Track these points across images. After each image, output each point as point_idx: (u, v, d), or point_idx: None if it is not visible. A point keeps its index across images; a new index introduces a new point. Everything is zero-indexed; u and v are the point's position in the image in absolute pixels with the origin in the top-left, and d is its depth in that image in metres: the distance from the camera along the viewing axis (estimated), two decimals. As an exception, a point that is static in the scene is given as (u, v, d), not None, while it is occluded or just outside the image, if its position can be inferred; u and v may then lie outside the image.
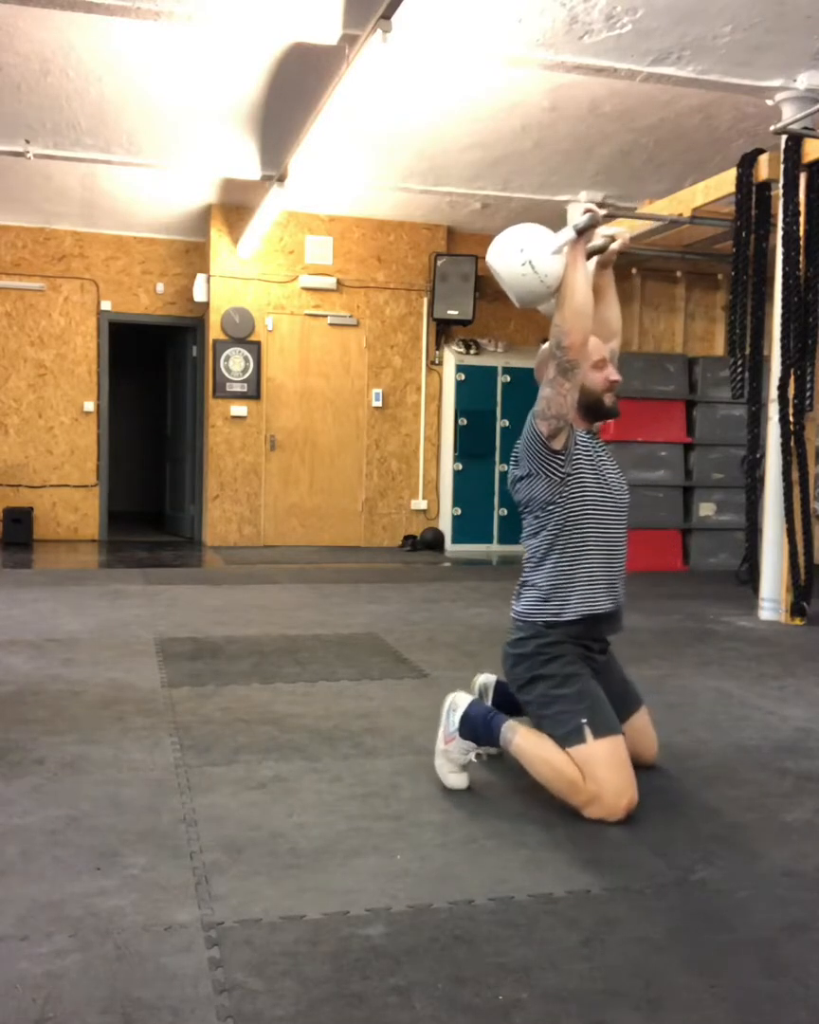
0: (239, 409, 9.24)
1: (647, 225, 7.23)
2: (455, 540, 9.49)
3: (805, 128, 5.42)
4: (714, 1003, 1.72)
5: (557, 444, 2.66)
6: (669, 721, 3.54)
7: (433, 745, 2.99)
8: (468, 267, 9.25)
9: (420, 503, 9.71)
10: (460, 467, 9.47)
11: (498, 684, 3.08)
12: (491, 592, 6.64)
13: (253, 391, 9.25)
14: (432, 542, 9.43)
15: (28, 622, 5.14)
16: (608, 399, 2.79)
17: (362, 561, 8.51)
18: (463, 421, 9.44)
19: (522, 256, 2.58)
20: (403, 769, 2.93)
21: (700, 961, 1.86)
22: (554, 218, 8.36)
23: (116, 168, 7.61)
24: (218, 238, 9.11)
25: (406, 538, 9.53)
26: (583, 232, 2.60)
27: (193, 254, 9.70)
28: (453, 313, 9.34)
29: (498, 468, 9.49)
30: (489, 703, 2.99)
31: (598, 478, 2.75)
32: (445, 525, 9.59)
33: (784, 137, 5.53)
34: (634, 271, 8.76)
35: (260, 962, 1.81)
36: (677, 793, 2.78)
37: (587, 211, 2.60)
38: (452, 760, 2.77)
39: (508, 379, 9.43)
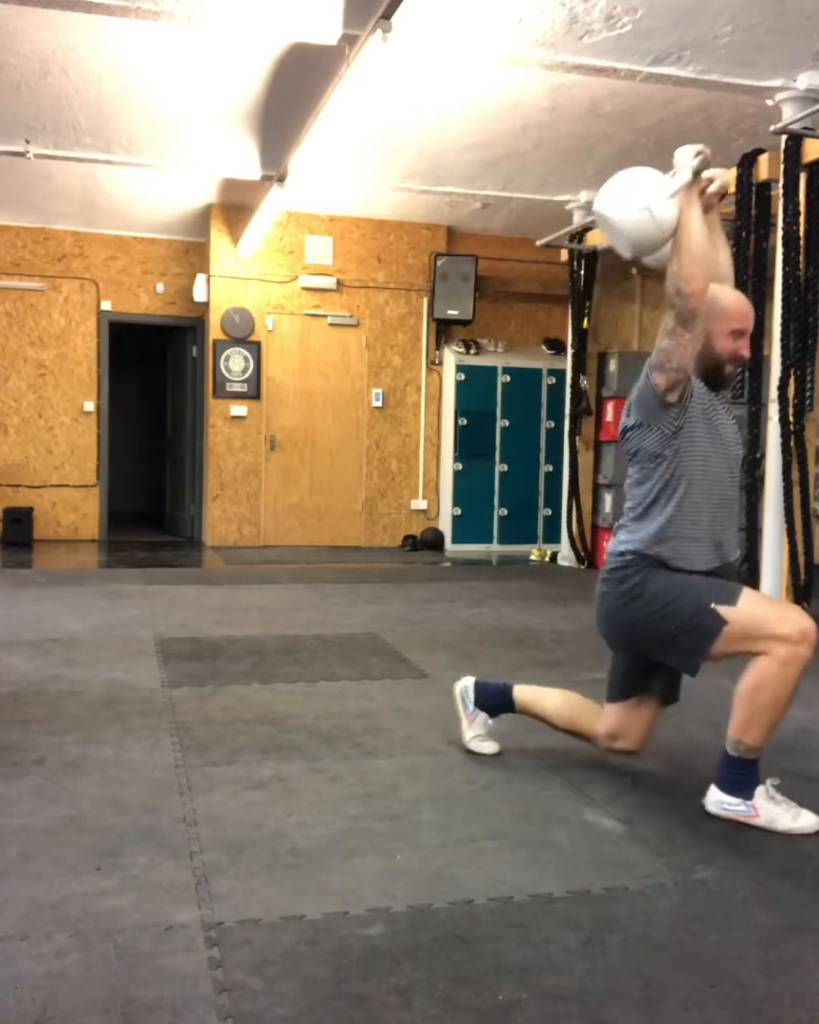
0: (239, 409, 9.24)
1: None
2: (455, 540, 9.49)
3: (805, 128, 5.42)
4: (714, 1003, 1.72)
5: (672, 397, 2.57)
6: (669, 721, 3.53)
7: (433, 746, 3.00)
8: (468, 267, 9.24)
9: (420, 503, 9.71)
10: (460, 467, 9.47)
11: (478, 685, 3.17)
12: (491, 592, 6.65)
13: (253, 391, 9.25)
14: (432, 542, 9.43)
15: (28, 622, 5.14)
16: (728, 369, 2.70)
17: (362, 561, 8.51)
18: (463, 421, 9.44)
19: (640, 201, 2.48)
20: (403, 769, 2.93)
21: (700, 961, 1.86)
22: (554, 218, 8.38)
23: (116, 168, 7.61)
24: (218, 238, 9.11)
25: (406, 538, 9.53)
26: (699, 173, 2.48)
27: (193, 254, 9.69)
28: (453, 313, 9.34)
29: (498, 468, 9.49)
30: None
31: (711, 433, 2.66)
32: (445, 525, 9.59)
33: (784, 137, 5.53)
34: (634, 271, 8.75)
35: (260, 962, 1.81)
36: (677, 793, 2.78)
37: (699, 153, 2.49)
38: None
39: (508, 379, 9.43)
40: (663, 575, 2.62)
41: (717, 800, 2.57)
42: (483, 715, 3.11)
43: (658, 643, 2.65)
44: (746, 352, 2.70)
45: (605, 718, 2.88)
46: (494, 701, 3.09)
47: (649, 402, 2.61)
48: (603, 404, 8.35)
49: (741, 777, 2.56)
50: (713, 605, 2.50)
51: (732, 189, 6.02)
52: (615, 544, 2.74)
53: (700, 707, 3.75)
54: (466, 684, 3.15)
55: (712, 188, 2.62)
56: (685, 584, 2.59)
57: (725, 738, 2.61)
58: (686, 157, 2.51)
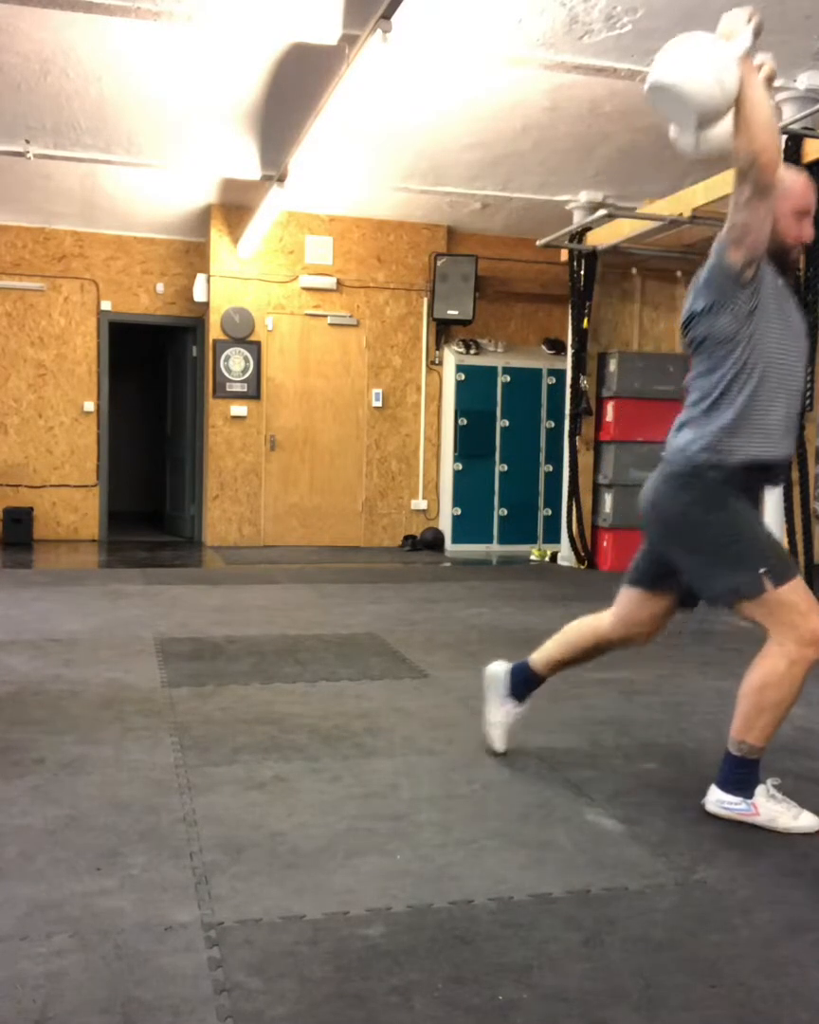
0: (239, 409, 9.24)
1: (647, 225, 7.23)
2: (455, 540, 9.49)
3: (805, 128, 5.43)
4: (714, 1003, 1.72)
5: (749, 274, 2.46)
6: (669, 721, 3.54)
7: (433, 746, 3.00)
8: (468, 267, 9.24)
9: (420, 503, 9.71)
10: (460, 467, 9.47)
11: (512, 671, 3.04)
12: (491, 592, 6.65)
13: (253, 391, 9.25)
14: (432, 542, 9.43)
15: (28, 622, 5.14)
16: (793, 252, 2.61)
17: (362, 561, 8.51)
18: (463, 421, 9.44)
19: (708, 68, 2.31)
20: (403, 769, 2.93)
21: (700, 961, 1.86)
22: (555, 218, 8.38)
23: (116, 168, 7.61)
24: (218, 238, 9.11)
25: (406, 538, 9.53)
26: (759, 36, 2.33)
27: (193, 254, 9.69)
28: (453, 313, 9.34)
29: (498, 468, 9.49)
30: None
31: (783, 318, 2.56)
32: (445, 525, 9.59)
33: (784, 137, 5.53)
34: (634, 271, 8.76)
35: (260, 962, 1.81)
36: (677, 793, 2.77)
37: (752, 17, 2.35)
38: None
39: (508, 379, 9.43)
40: (734, 506, 2.53)
41: (718, 799, 2.58)
42: (512, 703, 3.02)
43: (694, 563, 2.60)
44: (810, 234, 2.58)
45: (619, 604, 2.82)
46: (521, 680, 3.00)
47: (722, 281, 2.49)
48: (603, 404, 8.35)
49: (743, 777, 2.56)
50: (763, 571, 2.45)
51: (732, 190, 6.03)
52: (682, 440, 2.65)
53: (701, 707, 3.75)
54: (497, 670, 3.05)
55: (764, 72, 2.44)
56: (752, 533, 2.53)
57: (726, 739, 2.60)
58: (738, 22, 2.35)
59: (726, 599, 2.56)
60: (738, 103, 2.33)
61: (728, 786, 2.56)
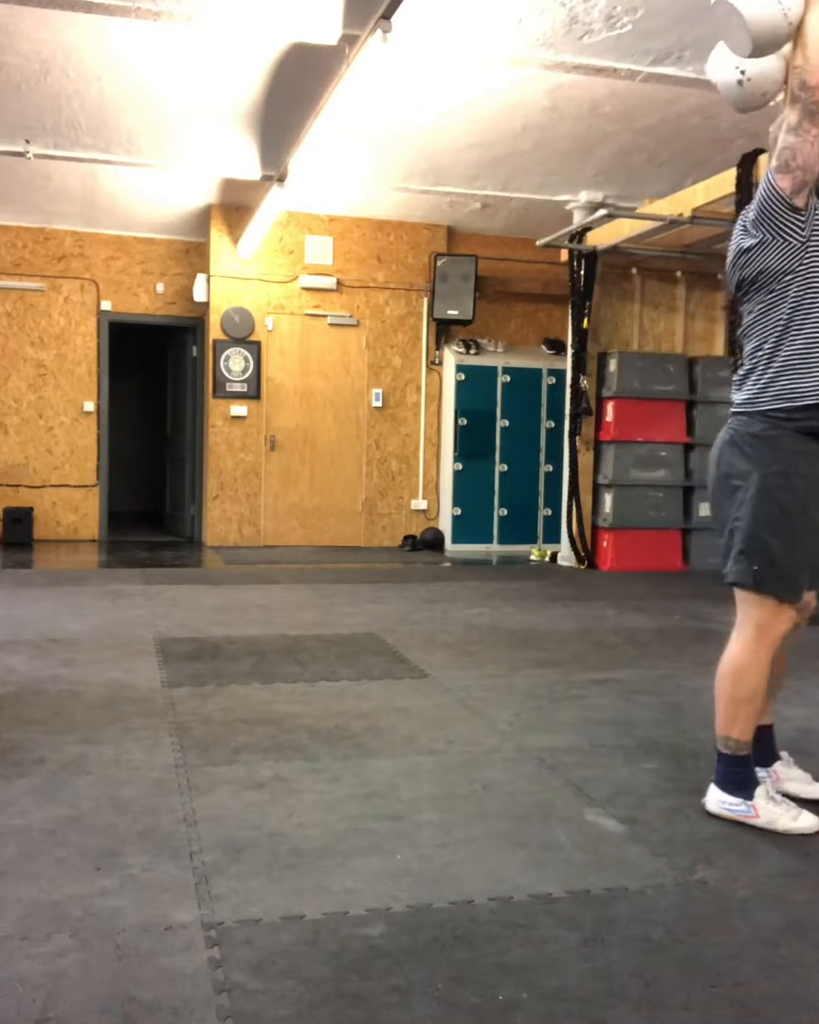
0: (239, 409, 9.24)
1: (647, 225, 7.23)
2: (455, 540, 9.49)
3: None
4: (714, 1003, 1.72)
5: (800, 201, 2.41)
6: (669, 721, 3.54)
7: (433, 746, 3.00)
8: (468, 267, 9.24)
9: (420, 503, 9.71)
10: (460, 467, 9.46)
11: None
12: (491, 592, 6.64)
13: (253, 391, 9.25)
14: (432, 542, 9.43)
15: (28, 622, 5.14)
16: None
17: (362, 561, 8.51)
18: (463, 421, 9.43)
19: None
20: (403, 769, 2.93)
21: (700, 961, 1.86)
22: (555, 218, 8.38)
23: (116, 168, 7.61)
24: (218, 238, 9.11)
25: (406, 538, 9.53)
26: None
27: (193, 254, 9.69)
28: (453, 313, 9.34)
29: (498, 468, 9.49)
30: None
31: None
32: (445, 525, 9.59)
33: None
34: (634, 271, 8.76)
35: (260, 962, 1.81)
36: (677, 793, 2.77)
37: None
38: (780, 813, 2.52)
39: (508, 379, 9.43)
40: (800, 486, 2.45)
41: (718, 800, 2.57)
42: (771, 769, 2.75)
43: (720, 519, 2.60)
44: None
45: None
46: (761, 751, 2.70)
47: (775, 210, 2.44)
48: (603, 404, 8.35)
49: (740, 776, 2.56)
50: (756, 570, 2.48)
51: (732, 190, 6.03)
52: (747, 393, 2.55)
53: (701, 707, 3.74)
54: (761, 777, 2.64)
55: None
56: (801, 524, 2.46)
57: (713, 740, 2.62)
58: None
59: (729, 575, 2.57)
60: (799, 27, 2.33)
61: (727, 786, 2.57)
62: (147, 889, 2.10)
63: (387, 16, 4.38)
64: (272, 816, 2.53)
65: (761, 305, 2.53)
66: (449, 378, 9.51)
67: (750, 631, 2.54)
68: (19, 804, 2.58)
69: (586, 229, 7.98)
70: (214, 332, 9.17)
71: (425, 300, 9.55)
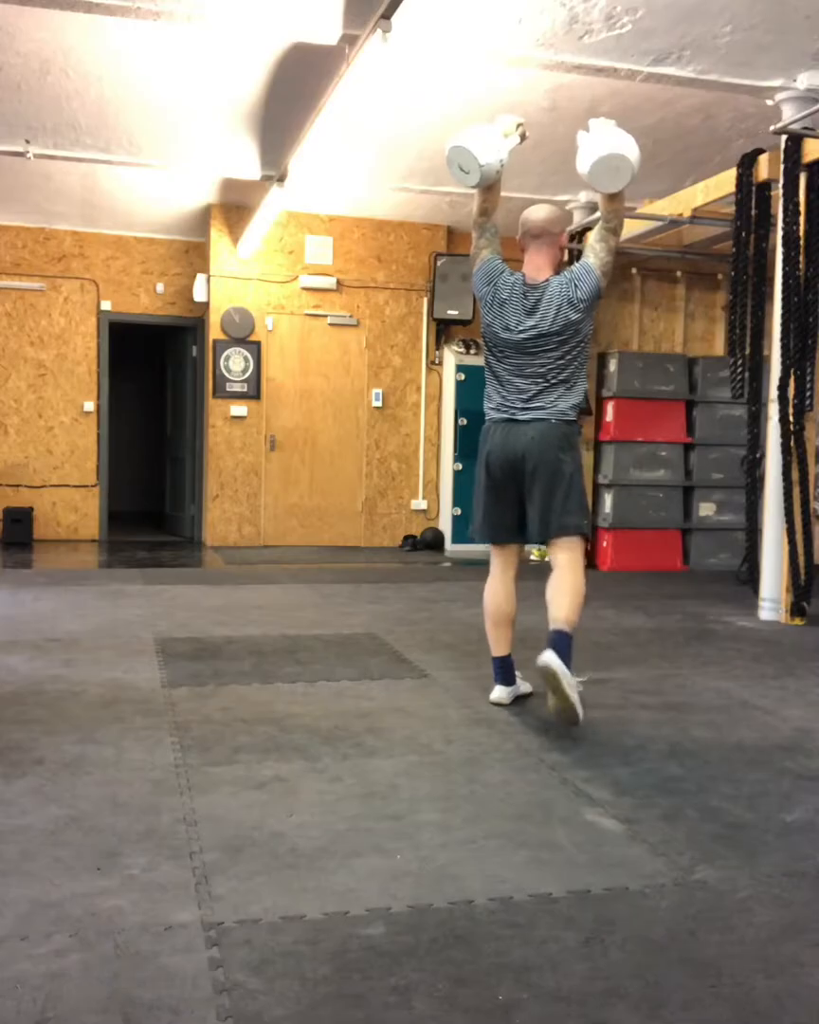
0: (239, 409, 9.24)
1: (647, 225, 7.23)
2: (455, 540, 9.49)
3: (805, 128, 5.43)
4: (714, 1003, 1.72)
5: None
6: (669, 721, 3.54)
7: (433, 746, 3.00)
8: (468, 267, 9.22)
9: (420, 503, 9.71)
10: (460, 467, 9.47)
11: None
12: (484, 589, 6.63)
13: (253, 391, 9.25)
14: (432, 542, 9.43)
15: (28, 622, 5.14)
16: None
17: (362, 561, 8.51)
18: (463, 421, 9.44)
19: (495, 150, 3.46)
20: (403, 769, 2.93)
21: (700, 961, 1.86)
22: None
23: (116, 168, 7.60)
24: (218, 238, 9.11)
25: (406, 538, 9.53)
26: (525, 139, 3.57)
27: (193, 254, 9.69)
28: (453, 313, 9.34)
29: (498, 468, 9.47)
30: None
31: None
32: (445, 525, 9.59)
33: (784, 137, 5.53)
34: (634, 271, 8.76)
35: (260, 962, 1.81)
36: (677, 793, 2.78)
37: (521, 124, 3.52)
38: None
39: (508, 379, 9.42)
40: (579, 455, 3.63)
41: (561, 666, 3.14)
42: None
43: (563, 479, 3.57)
44: None
45: None
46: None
47: (596, 299, 3.49)
48: (603, 404, 8.35)
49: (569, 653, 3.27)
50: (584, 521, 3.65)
51: (732, 190, 6.03)
52: (556, 407, 3.52)
53: (701, 707, 3.75)
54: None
55: (521, 131, 3.59)
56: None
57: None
58: (511, 124, 3.50)
59: (579, 530, 3.60)
60: (619, 193, 3.38)
61: (566, 659, 3.20)
62: (147, 889, 2.10)
63: (387, 16, 4.38)
64: (272, 816, 2.53)
65: (570, 354, 3.51)
66: (449, 378, 9.51)
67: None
68: (19, 804, 2.58)
69: (586, 229, 7.98)
70: (214, 332, 9.17)
71: (425, 300, 9.55)
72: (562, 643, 3.25)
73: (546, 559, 8.92)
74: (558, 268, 3.62)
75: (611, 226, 3.45)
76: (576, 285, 3.46)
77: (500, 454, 3.61)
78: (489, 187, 3.65)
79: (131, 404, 12.20)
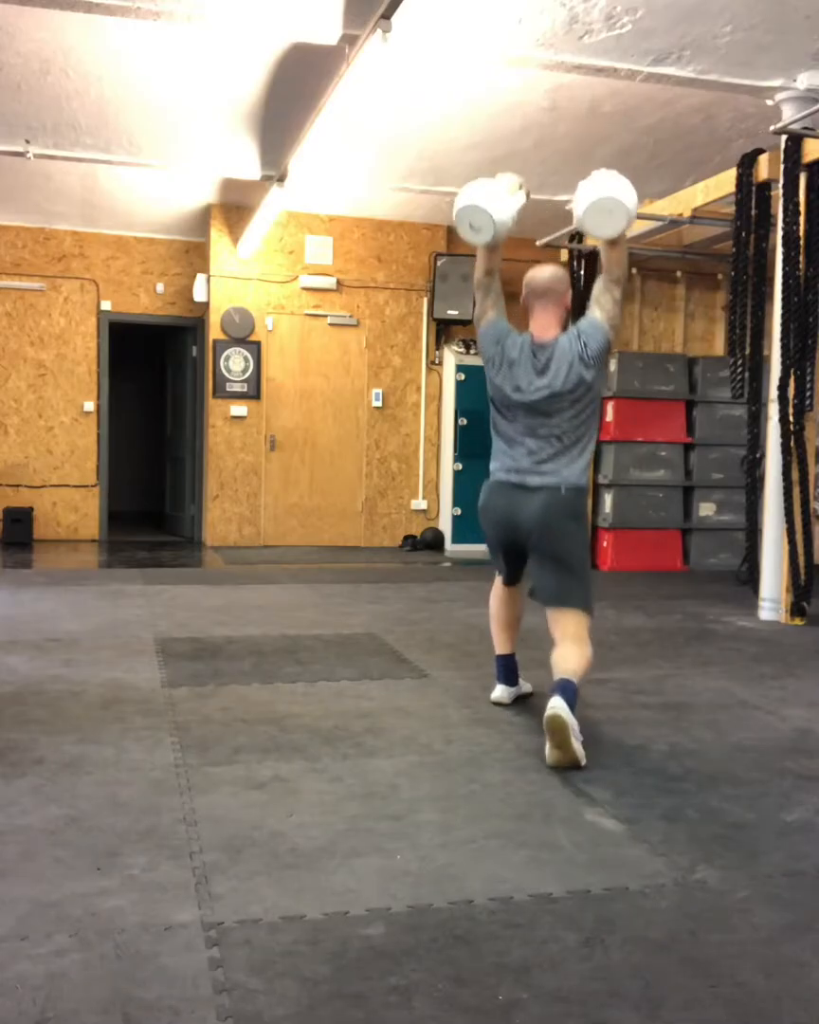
0: (239, 409, 9.24)
1: (647, 225, 7.23)
2: (455, 540, 9.49)
3: (805, 128, 5.42)
4: (714, 1003, 1.72)
5: None
6: (669, 721, 3.54)
7: (433, 746, 3.00)
8: (468, 267, 9.19)
9: (420, 503, 9.71)
10: (460, 467, 9.46)
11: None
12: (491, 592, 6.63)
13: (253, 391, 9.25)
14: (432, 542, 9.43)
15: (28, 622, 5.14)
16: None
17: (362, 561, 8.51)
18: (463, 421, 9.44)
19: (507, 207, 3.39)
20: (403, 769, 2.93)
21: (700, 961, 1.86)
22: (555, 218, 8.36)
23: (116, 168, 7.60)
24: (218, 238, 9.11)
25: (406, 538, 9.53)
26: (529, 197, 3.59)
27: (193, 254, 9.69)
28: (453, 313, 9.34)
29: (498, 468, 9.47)
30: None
31: None
32: (445, 525, 9.59)
33: (784, 137, 5.53)
34: (634, 271, 8.75)
35: (260, 962, 1.81)
36: (677, 793, 2.78)
37: (523, 184, 3.47)
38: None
39: (508, 379, 9.41)
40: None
41: (569, 715, 2.97)
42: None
43: (567, 546, 3.50)
44: None
45: None
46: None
47: (606, 356, 3.43)
48: (603, 404, 8.35)
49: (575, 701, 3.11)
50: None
51: (732, 190, 6.03)
52: (567, 472, 3.42)
53: (701, 707, 3.75)
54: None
55: (525, 191, 3.56)
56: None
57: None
58: (514, 182, 3.46)
59: (586, 601, 3.54)
60: (616, 241, 3.34)
61: (572, 708, 3.03)
62: (147, 889, 2.10)
63: (387, 16, 4.38)
64: (272, 816, 2.53)
65: (582, 414, 3.42)
66: (449, 378, 9.51)
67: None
68: (19, 804, 2.58)
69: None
70: (214, 332, 9.17)
71: (425, 300, 9.55)
72: (569, 691, 3.08)
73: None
74: (564, 326, 3.54)
75: (614, 277, 3.38)
76: (585, 342, 3.38)
77: (505, 518, 3.49)
78: (494, 246, 3.58)
79: (131, 404, 12.19)
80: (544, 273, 3.59)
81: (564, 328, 3.52)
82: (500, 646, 3.76)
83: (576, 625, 3.37)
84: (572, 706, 3.03)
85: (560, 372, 3.38)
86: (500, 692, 3.72)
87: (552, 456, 3.41)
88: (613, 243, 3.35)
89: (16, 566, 7.67)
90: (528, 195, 3.49)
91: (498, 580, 3.81)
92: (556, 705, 3.00)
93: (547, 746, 2.99)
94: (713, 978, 1.80)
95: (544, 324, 3.51)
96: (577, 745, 2.98)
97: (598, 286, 3.43)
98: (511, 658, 3.76)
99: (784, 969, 1.84)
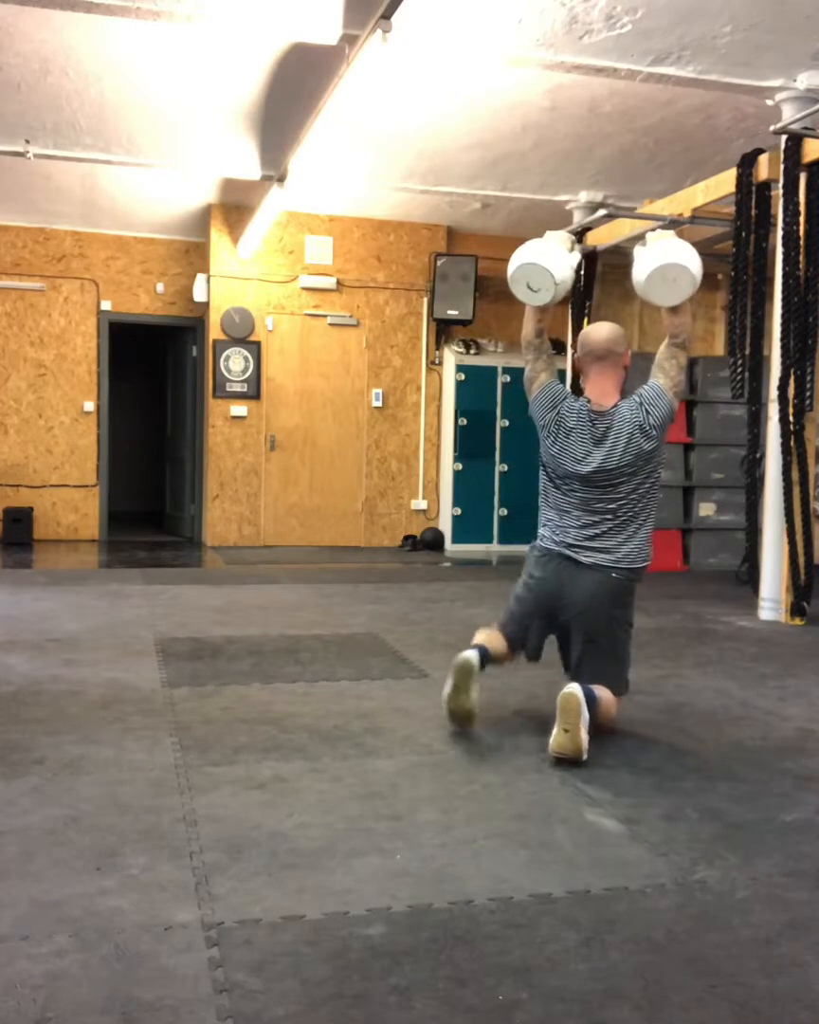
0: (239, 409, 9.24)
1: (647, 225, 7.22)
2: (455, 540, 9.49)
3: (805, 128, 5.42)
4: (714, 1003, 1.72)
5: None
6: (669, 721, 3.54)
7: (433, 746, 3.00)
8: (468, 267, 9.24)
9: (420, 503, 9.71)
10: (460, 467, 9.47)
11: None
12: (491, 592, 6.64)
13: (253, 391, 9.25)
14: (432, 542, 9.43)
15: (28, 622, 5.14)
16: None
17: (362, 561, 8.51)
18: (463, 421, 9.44)
19: (565, 262, 3.26)
20: (403, 769, 2.93)
21: (700, 961, 1.86)
22: (555, 218, 8.38)
23: (116, 168, 7.60)
24: (218, 238, 9.11)
25: (406, 538, 9.53)
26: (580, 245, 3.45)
27: (193, 254, 9.69)
28: (453, 313, 9.34)
29: (498, 468, 9.49)
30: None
31: None
32: (445, 525, 9.59)
33: (784, 137, 5.53)
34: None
35: (260, 962, 1.81)
36: (677, 793, 2.78)
37: (569, 238, 3.34)
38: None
39: (508, 379, 9.42)
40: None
41: (582, 699, 2.92)
42: None
43: (609, 636, 3.30)
44: None
45: None
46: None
47: (670, 424, 3.27)
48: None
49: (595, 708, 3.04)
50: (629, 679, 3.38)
51: (732, 190, 6.03)
52: (622, 552, 3.33)
53: (701, 707, 3.75)
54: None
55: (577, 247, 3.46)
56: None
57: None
58: (566, 239, 3.32)
59: (621, 685, 3.33)
60: (681, 306, 3.25)
61: (591, 709, 2.97)
62: (147, 889, 2.10)
63: (387, 16, 4.38)
64: (272, 816, 2.53)
65: (642, 487, 3.34)
66: (449, 378, 9.51)
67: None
68: (19, 804, 2.58)
69: (586, 229, 7.98)
70: (214, 332, 9.17)
71: (425, 300, 9.55)
72: (592, 695, 3.00)
73: None
74: (623, 391, 3.35)
75: (679, 341, 3.24)
76: (648, 411, 3.20)
77: (550, 589, 3.29)
78: (550, 306, 3.34)
79: (131, 404, 12.19)
80: (601, 332, 3.37)
81: (623, 393, 3.34)
82: (481, 640, 3.40)
83: (606, 701, 3.13)
84: (591, 705, 2.95)
85: (619, 443, 3.21)
86: (468, 652, 3.26)
87: (606, 532, 3.25)
88: (675, 310, 3.21)
89: (16, 566, 7.67)
90: (573, 246, 3.38)
91: (501, 642, 3.36)
92: (575, 688, 2.93)
93: (555, 730, 2.92)
94: (713, 978, 1.80)
95: (603, 389, 3.30)
96: (584, 735, 2.89)
97: (662, 352, 3.28)
98: (486, 652, 3.33)
99: (784, 969, 1.84)
